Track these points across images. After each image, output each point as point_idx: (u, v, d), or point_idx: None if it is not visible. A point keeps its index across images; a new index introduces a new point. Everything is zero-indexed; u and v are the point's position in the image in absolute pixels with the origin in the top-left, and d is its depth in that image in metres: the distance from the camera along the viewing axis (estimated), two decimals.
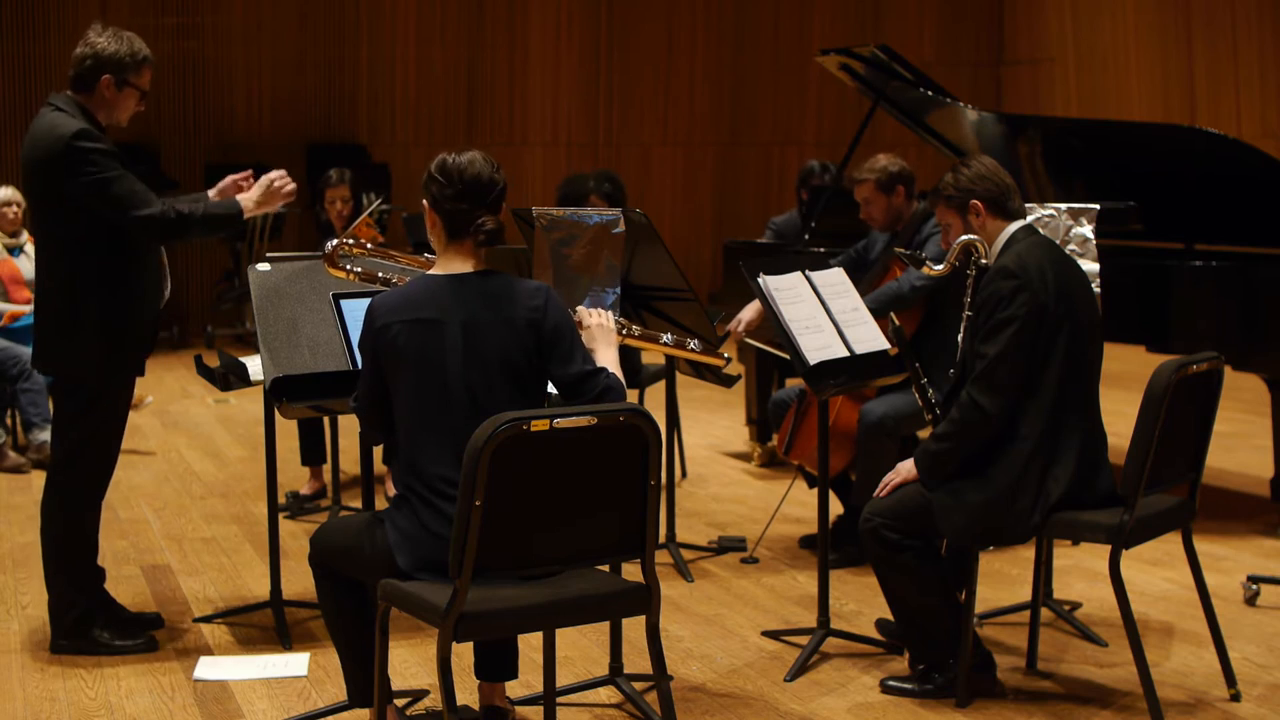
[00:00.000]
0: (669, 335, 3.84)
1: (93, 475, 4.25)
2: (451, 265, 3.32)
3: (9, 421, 7.21)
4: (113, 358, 4.16)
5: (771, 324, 4.36)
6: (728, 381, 5.36)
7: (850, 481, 5.32)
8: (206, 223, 4.19)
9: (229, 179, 4.36)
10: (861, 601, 4.80)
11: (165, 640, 4.41)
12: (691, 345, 3.85)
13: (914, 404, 4.94)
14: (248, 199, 4.25)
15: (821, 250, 6.49)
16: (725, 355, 3.97)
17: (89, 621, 4.27)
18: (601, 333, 3.55)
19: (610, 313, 3.60)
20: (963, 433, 3.78)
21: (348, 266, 3.69)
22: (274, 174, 4.30)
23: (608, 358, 3.48)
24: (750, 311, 5.41)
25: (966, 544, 3.85)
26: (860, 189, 5.30)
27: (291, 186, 4.31)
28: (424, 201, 3.35)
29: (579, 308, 3.60)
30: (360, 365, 3.43)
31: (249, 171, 4.42)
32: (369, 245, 3.75)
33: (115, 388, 4.23)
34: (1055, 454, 3.76)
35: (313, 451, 6.23)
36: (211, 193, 4.35)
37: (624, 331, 3.70)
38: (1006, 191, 3.93)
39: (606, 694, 4.01)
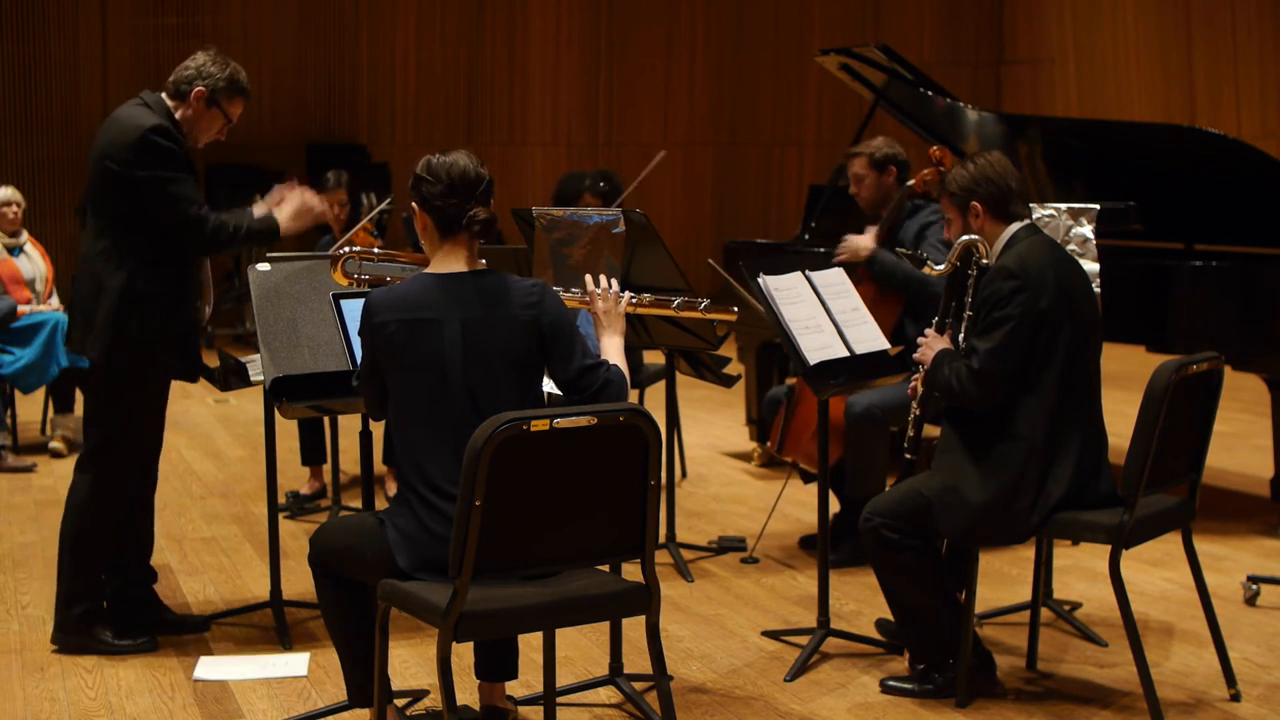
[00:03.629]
0: (678, 299, 3.85)
1: (114, 475, 4.26)
2: (446, 264, 3.32)
3: (9, 422, 7.21)
4: (130, 358, 4.17)
5: (771, 324, 4.37)
6: (728, 381, 5.36)
7: (846, 477, 5.33)
8: (249, 238, 4.28)
9: (277, 190, 4.41)
10: (861, 601, 4.80)
11: (165, 640, 4.41)
12: (702, 305, 3.87)
13: (900, 395, 4.95)
14: (283, 216, 4.30)
15: (821, 250, 6.49)
16: (734, 307, 3.98)
17: (92, 620, 4.28)
18: (609, 319, 3.56)
19: (617, 289, 3.60)
20: (955, 396, 3.83)
21: (354, 274, 3.70)
22: (310, 195, 4.36)
23: (612, 346, 3.50)
24: None
25: (966, 544, 3.85)
26: (854, 163, 5.37)
27: (322, 209, 4.40)
28: (413, 204, 3.36)
29: (587, 280, 3.60)
30: (360, 355, 3.44)
31: (294, 180, 4.46)
32: (375, 250, 3.76)
33: (138, 389, 4.24)
34: (1056, 454, 3.76)
35: (313, 451, 6.23)
36: (258, 209, 4.36)
37: (634, 301, 3.70)
38: (1009, 195, 3.92)
39: (606, 694, 4.01)
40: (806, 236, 7.09)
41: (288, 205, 4.33)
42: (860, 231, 5.57)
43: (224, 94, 4.26)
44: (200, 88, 4.22)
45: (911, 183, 5.34)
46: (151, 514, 4.55)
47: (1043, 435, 3.75)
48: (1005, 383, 3.77)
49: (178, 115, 4.23)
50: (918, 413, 4.13)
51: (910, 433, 4.15)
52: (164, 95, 4.26)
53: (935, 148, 5.29)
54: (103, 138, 4.19)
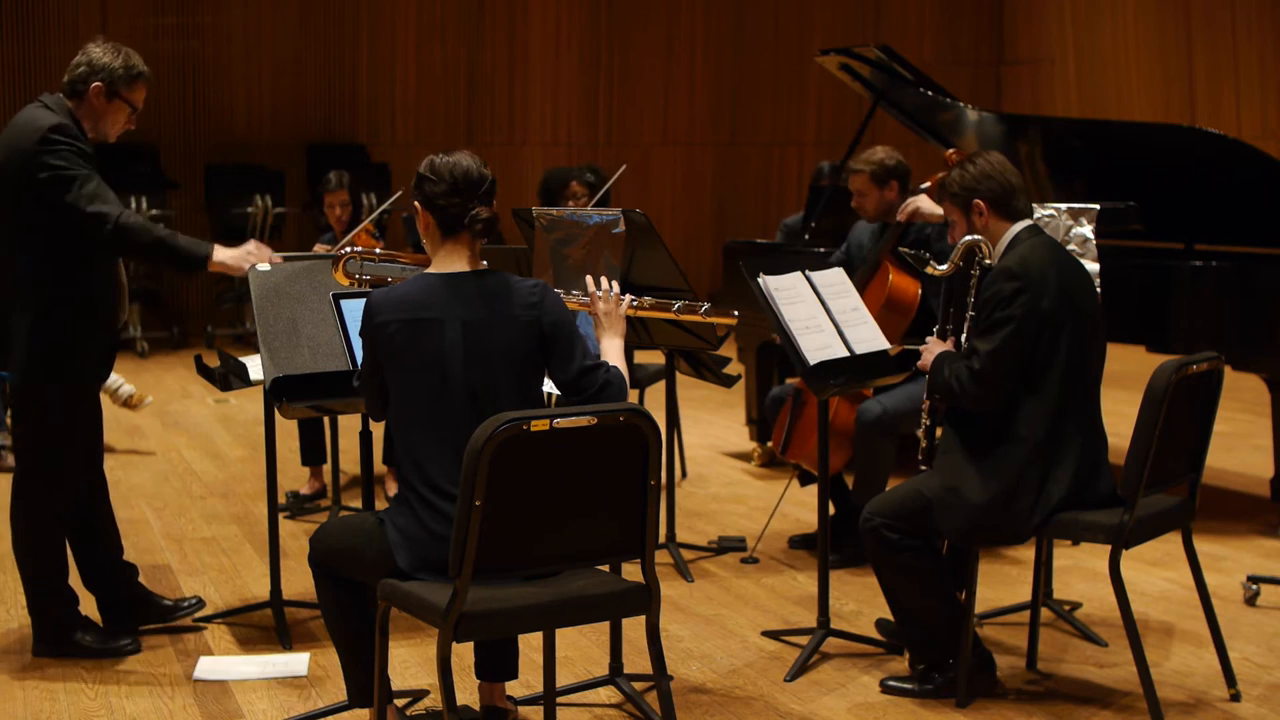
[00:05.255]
0: (679, 303, 3.87)
1: (59, 489, 4.19)
2: (448, 264, 3.32)
3: (8, 422, 7.20)
4: (63, 366, 4.08)
5: (771, 324, 4.37)
6: (728, 381, 5.36)
7: (844, 480, 5.32)
8: (161, 247, 4.07)
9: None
10: (861, 601, 4.80)
11: (165, 640, 4.41)
12: (703, 309, 3.88)
13: (911, 403, 4.95)
14: (223, 251, 4.14)
15: (821, 250, 6.49)
16: (734, 311, 3.99)
17: (68, 625, 4.25)
18: (610, 320, 3.57)
19: (618, 291, 3.60)
20: (955, 398, 3.85)
21: (356, 274, 3.70)
22: (264, 250, 4.18)
23: (613, 348, 3.50)
24: None
25: (966, 544, 3.86)
26: (854, 180, 5.34)
27: (266, 255, 4.18)
28: (415, 203, 3.36)
29: (588, 281, 3.60)
30: (361, 356, 3.44)
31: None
32: (377, 251, 3.77)
33: (74, 396, 4.15)
34: (1056, 455, 3.76)
35: (313, 451, 6.23)
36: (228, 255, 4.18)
37: (635, 304, 3.71)
38: (1011, 191, 3.92)
39: (606, 694, 4.01)
40: (806, 237, 7.09)
41: (242, 247, 4.16)
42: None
43: (123, 83, 4.14)
44: (97, 83, 4.11)
45: (927, 186, 5.33)
46: (111, 514, 4.43)
47: (1044, 436, 3.75)
48: (1006, 383, 3.77)
49: (79, 114, 4.12)
50: (928, 423, 4.12)
51: (924, 443, 4.13)
52: (62, 95, 4.15)
53: (952, 151, 5.27)
54: (4, 145, 4.07)
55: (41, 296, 4.05)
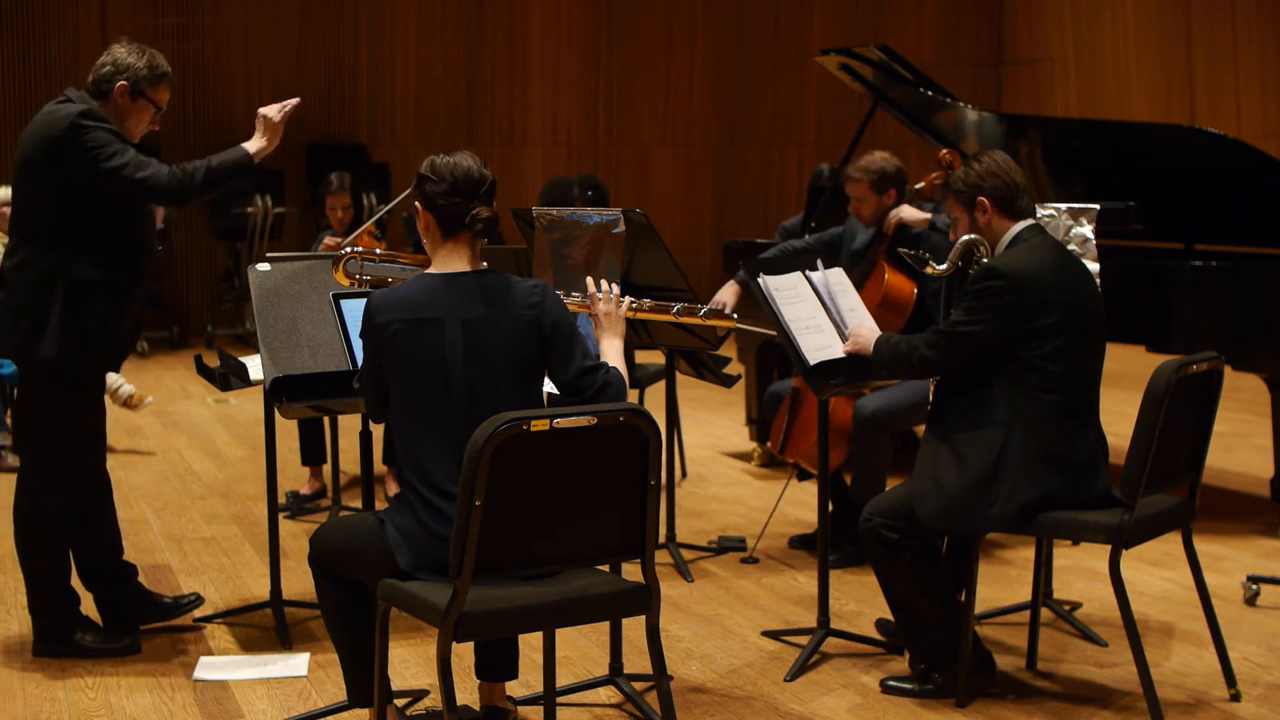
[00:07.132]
0: (678, 305, 3.90)
1: (65, 481, 4.19)
2: (448, 264, 3.33)
3: (8, 422, 7.21)
4: (83, 352, 4.08)
5: (771, 324, 4.37)
6: (728, 381, 5.36)
7: (843, 477, 5.33)
8: (215, 175, 4.11)
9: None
10: (861, 601, 4.80)
11: (165, 640, 4.41)
12: (702, 312, 3.89)
13: (908, 398, 4.96)
14: (252, 143, 4.19)
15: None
16: (733, 314, 4.01)
17: (69, 625, 4.25)
18: (609, 321, 3.57)
19: (618, 292, 3.61)
20: (900, 357, 3.98)
21: (356, 275, 3.71)
22: (270, 108, 4.24)
23: (612, 349, 3.50)
24: (727, 294, 5.37)
25: (946, 530, 3.88)
26: (853, 187, 5.34)
27: (289, 105, 4.28)
28: (415, 204, 3.37)
29: (588, 283, 3.61)
30: (361, 356, 3.45)
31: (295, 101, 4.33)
32: (377, 251, 3.77)
33: (84, 385, 4.17)
34: (1044, 449, 3.75)
35: (313, 451, 6.23)
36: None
37: (635, 306, 3.71)
38: (1015, 190, 3.93)
39: (606, 694, 4.01)
40: (807, 237, 7.09)
41: (256, 133, 4.22)
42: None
43: (147, 83, 4.16)
44: (122, 82, 4.12)
45: (920, 186, 5.33)
46: (113, 514, 4.44)
47: (1027, 427, 3.74)
48: (955, 359, 3.85)
49: (104, 114, 4.12)
50: None
51: None
52: (87, 94, 4.16)
53: (945, 151, 5.27)
54: (27, 137, 4.09)
55: (76, 277, 4.04)
